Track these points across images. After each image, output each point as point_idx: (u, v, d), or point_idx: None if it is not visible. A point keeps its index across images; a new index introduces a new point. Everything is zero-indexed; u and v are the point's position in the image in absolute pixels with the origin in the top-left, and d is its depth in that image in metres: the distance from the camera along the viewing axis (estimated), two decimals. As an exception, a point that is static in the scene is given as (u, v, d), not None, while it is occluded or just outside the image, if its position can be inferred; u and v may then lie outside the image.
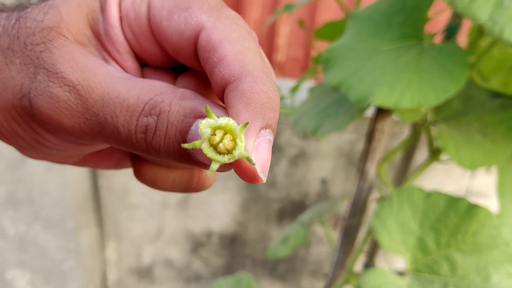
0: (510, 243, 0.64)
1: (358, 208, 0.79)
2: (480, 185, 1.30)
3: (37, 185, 1.38)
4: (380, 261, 0.97)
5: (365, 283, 0.67)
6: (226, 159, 0.23)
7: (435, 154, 0.75)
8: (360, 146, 1.33)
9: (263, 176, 0.25)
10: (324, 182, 1.40)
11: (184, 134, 0.25)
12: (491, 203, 1.15)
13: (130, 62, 0.31)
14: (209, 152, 0.23)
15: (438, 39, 0.72)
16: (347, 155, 1.35)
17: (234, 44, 0.27)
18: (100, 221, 1.53)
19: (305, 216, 1.02)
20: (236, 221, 1.51)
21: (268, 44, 1.43)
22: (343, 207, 1.35)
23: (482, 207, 0.65)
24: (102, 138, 0.27)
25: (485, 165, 0.68)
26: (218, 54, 0.26)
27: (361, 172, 0.77)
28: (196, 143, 0.23)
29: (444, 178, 1.30)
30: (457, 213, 0.66)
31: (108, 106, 0.26)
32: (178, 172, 0.34)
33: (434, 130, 0.72)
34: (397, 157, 1.11)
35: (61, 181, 1.37)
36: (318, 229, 1.45)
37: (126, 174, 1.43)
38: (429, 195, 0.68)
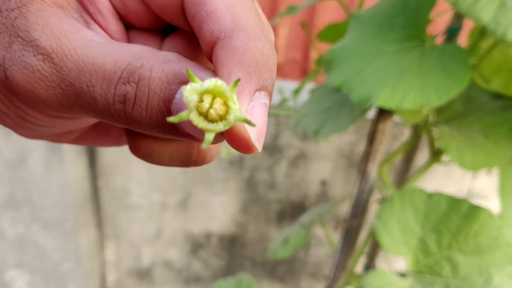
0: (511, 244, 0.64)
1: (359, 210, 0.79)
2: (481, 186, 1.31)
3: (37, 186, 1.38)
4: (381, 263, 0.97)
5: (367, 285, 0.67)
6: (221, 126, 0.21)
7: (436, 155, 0.75)
8: (360, 147, 1.33)
9: (258, 144, 0.22)
10: (324, 183, 1.40)
11: (168, 103, 0.23)
12: (492, 204, 1.15)
13: (114, 24, 0.28)
14: (199, 122, 0.20)
15: (439, 40, 0.72)
16: (347, 156, 1.35)
17: None
18: (99, 222, 1.53)
19: (305, 218, 1.02)
20: (236, 222, 1.51)
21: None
22: (344, 209, 1.35)
23: (484, 208, 0.65)
24: (79, 109, 0.25)
25: (487, 167, 0.68)
26: (207, 7, 0.24)
27: (362, 174, 0.77)
28: (183, 115, 0.21)
29: (444, 179, 1.30)
30: (459, 214, 0.66)
31: (83, 74, 0.23)
32: (175, 145, 0.31)
33: (435, 132, 0.72)
34: (398, 158, 1.11)
35: (61, 182, 1.37)
36: (318, 231, 1.45)
37: (125, 175, 1.43)
38: (430, 196, 0.68)
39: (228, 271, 1.60)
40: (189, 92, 0.20)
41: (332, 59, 0.65)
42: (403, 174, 1.04)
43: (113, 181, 1.45)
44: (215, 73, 0.23)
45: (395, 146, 1.24)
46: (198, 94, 0.20)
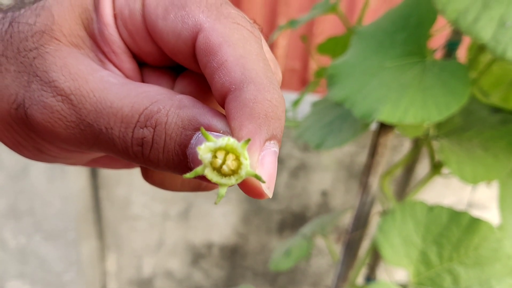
0: (511, 256, 0.65)
1: (361, 221, 0.80)
2: (480, 197, 1.31)
3: (39, 197, 1.38)
4: (381, 274, 0.97)
5: (369, 296, 0.68)
6: (233, 181, 0.22)
7: (436, 168, 0.76)
8: (360, 158, 1.34)
9: (269, 192, 0.24)
10: (324, 194, 1.41)
11: (184, 148, 0.24)
12: (491, 215, 1.15)
13: (127, 62, 0.29)
14: (213, 177, 0.22)
15: (439, 54, 0.73)
16: (348, 167, 1.36)
17: (234, 47, 0.25)
18: (100, 233, 1.53)
19: (307, 229, 1.02)
20: (237, 233, 1.51)
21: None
22: (345, 220, 1.36)
23: (484, 221, 0.66)
24: (98, 149, 0.26)
25: (487, 180, 0.69)
26: (217, 58, 0.24)
27: (364, 186, 0.78)
28: (198, 170, 0.22)
29: (444, 190, 1.31)
30: (459, 227, 0.67)
31: (101, 116, 0.24)
32: None
33: (435, 145, 0.73)
34: (399, 170, 1.12)
35: (63, 193, 1.37)
36: (319, 241, 1.46)
37: (127, 186, 1.44)
38: (431, 209, 0.69)
39: (229, 281, 1.60)
40: (203, 151, 0.22)
41: (335, 74, 0.66)
42: (404, 186, 1.05)
43: (115, 191, 1.45)
44: (228, 122, 0.24)
45: (396, 157, 1.25)
46: (211, 151, 0.22)
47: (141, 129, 0.24)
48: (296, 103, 1.01)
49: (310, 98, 1.04)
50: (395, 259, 0.69)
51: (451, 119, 0.72)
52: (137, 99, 0.24)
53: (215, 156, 0.22)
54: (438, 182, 1.27)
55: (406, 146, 1.25)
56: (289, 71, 1.45)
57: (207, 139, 0.22)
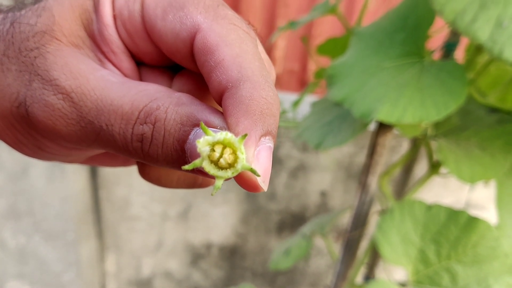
0: (509, 254, 0.65)
1: (360, 221, 0.81)
2: (478, 197, 1.32)
3: (38, 197, 1.38)
4: (380, 273, 0.98)
5: (368, 295, 0.69)
6: (229, 174, 0.23)
7: (434, 167, 0.77)
8: (359, 158, 1.34)
9: (264, 185, 0.24)
10: (323, 194, 1.42)
11: (182, 143, 0.24)
12: (488, 215, 1.16)
13: (126, 62, 0.30)
14: (211, 169, 0.23)
15: (437, 55, 0.74)
16: (346, 167, 1.37)
17: (231, 47, 0.26)
18: (100, 233, 1.53)
19: (306, 228, 1.03)
20: (236, 233, 1.51)
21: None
22: (344, 220, 1.36)
23: (482, 219, 0.66)
24: (99, 145, 0.27)
25: (484, 179, 0.69)
26: (215, 58, 0.25)
27: (363, 186, 0.79)
28: (196, 162, 0.23)
29: (442, 190, 1.32)
30: (458, 225, 0.67)
31: (102, 114, 0.25)
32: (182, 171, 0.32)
33: (433, 145, 0.74)
34: (397, 170, 1.13)
35: (62, 194, 1.37)
36: (317, 241, 1.46)
37: (126, 186, 1.44)
38: (429, 208, 0.69)
39: (228, 281, 1.60)
40: (202, 144, 0.22)
41: (334, 74, 0.67)
42: (403, 186, 1.06)
43: (114, 192, 1.45)
44: (225, 118, 0.25)
45: (394, 157, 1.26)
46: (210, 145, 0.23)
47: (141, 126, 0.25)
48: (296, 104, 1.02)
49: (309, 99, 1.05)
50: (394, 258, 0.70)
51: (449, 119, 0.72)
52: (137, 96, 0.25)
53: (213, 150, 0.23)
54: (436, 183, 1.28)
55: (405, 146, 1.25)
56: (288, 72, 1.46)
57: (206, 133, 0.23)
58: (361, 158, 1.33)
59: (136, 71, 0.31)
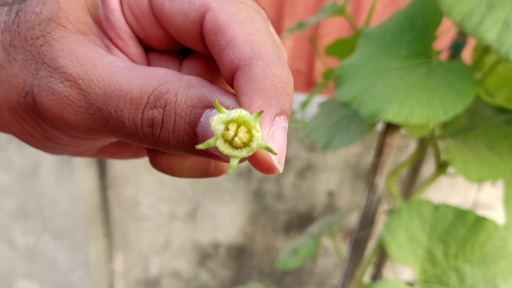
0: (517, 254, 0.65)
1: (367, 221, 0.81)
2: (485, 197, 1.32)
3: (47, 197, 1.39)
4: (387, 272, 0.98)
5: (376, 294, 0.69)
6: (244, 153, 0.22)
7: (442, 167, 0.77)
8: (366, 159, 1.34)
9: (279, 166, 0.23)
10: (331, 194, 1.42)
11: (194, 126, 0.24)
12: (496, 215, 1.16)
13: (133, 47, 0.29)
14: (225, 149, 0.22)
15: (444, 55, 0.74)
16: (354, 167, 1.37)
17: (242, 25, 0.25)
18: (108, 233, 1.54)
19: (314, 228, 1.03)
20: (244, 233, 1.52)
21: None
22: (352, 219, 1.36)
23: (489, 219, 0.66)
24: (108, 133, 0.26)
25: (492, 179, 0.70)
26: (226, 36, 0.25)
27: (370, 185, 0.79)
28: (210, 142, 0.22)
29: (449, 191, 1.31)
30: (465, 225, 0.67)
31: (111, 99, 0.24)
32: (194, 158, 0.31)
33: (441, 145, 0.74)
34: (405, 170, 1.13)
35: (71, 193, 1.38)
36: (325, 241, 1.46)
37: (135, 186, 1.45)
38: (437, 207, 0.69)
39: (236, 281, 1.61)
40: (216, 122, 0.22)
41: (342, 75, 0.67)
42: (410, 186, 1.06)
43: (123, 192, 1.46)
44: (236, 96, 0.24)
45: (402, 157, 1.26)
46: (224, 123, 0.22)
47: (151, 110, 0.24)
48: (304, 104, 1.02)
49: (317, 99, 1.05)
50: (401, 258, 0.70)
51: (457, 119, 0.72)
52: (146, 81, 0.25)
53: (227, 129, 0.22)
54: (443, 183, 1.28)
55: (412, 146, 1.25)
56: (294, 72, 1.46)
57: (219, 111, 0.22)
58: (369, 158, 1.33)
59: (144, 57, 0.30)
